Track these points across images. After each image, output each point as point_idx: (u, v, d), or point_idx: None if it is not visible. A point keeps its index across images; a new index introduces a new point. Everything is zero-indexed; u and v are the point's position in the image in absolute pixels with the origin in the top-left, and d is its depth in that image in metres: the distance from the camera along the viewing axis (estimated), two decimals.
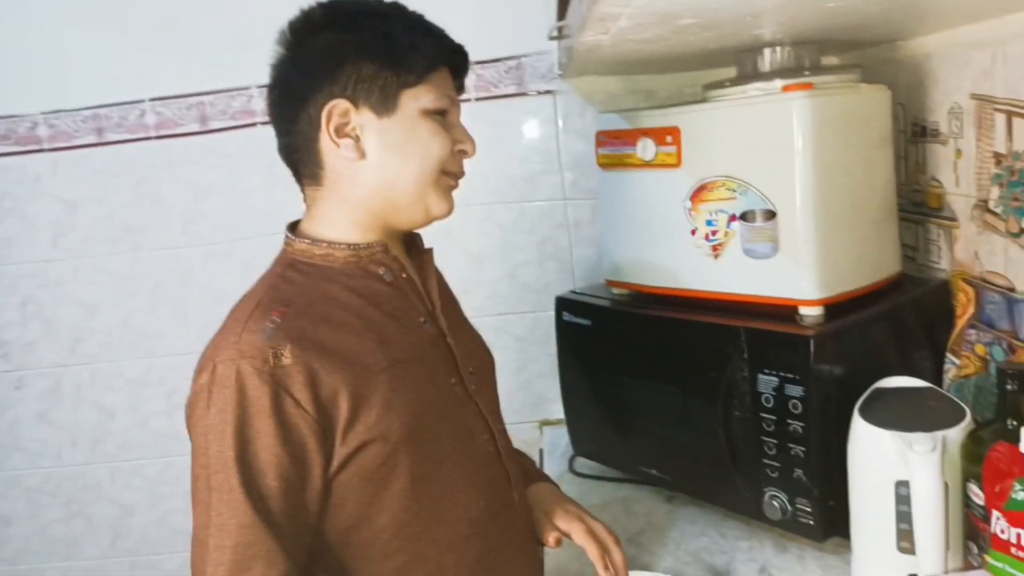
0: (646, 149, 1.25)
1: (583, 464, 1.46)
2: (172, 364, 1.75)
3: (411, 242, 0.99)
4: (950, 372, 1.18)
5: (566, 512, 1.00)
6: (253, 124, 1.67)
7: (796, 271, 1.10)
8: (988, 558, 0.86)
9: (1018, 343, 1.05)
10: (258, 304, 0.81)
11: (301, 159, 0.88)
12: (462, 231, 1.67)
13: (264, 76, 0.90)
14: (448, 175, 0.89)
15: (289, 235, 0.90)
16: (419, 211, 0.89)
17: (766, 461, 1.12)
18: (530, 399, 1.75)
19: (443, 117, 0.89)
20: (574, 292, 1.45)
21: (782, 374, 1.07)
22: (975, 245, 1.17)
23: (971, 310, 1.17)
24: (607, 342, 1.35)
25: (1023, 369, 0.88)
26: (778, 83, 1.13)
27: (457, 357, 0.93)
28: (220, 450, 0.75)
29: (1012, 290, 1.09)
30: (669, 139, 1.21)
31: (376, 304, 0.87)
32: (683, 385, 1.22)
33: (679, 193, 1.21)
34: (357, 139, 0.85)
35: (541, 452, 1.63)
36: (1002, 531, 0.83)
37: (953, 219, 1.21)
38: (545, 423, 1.74)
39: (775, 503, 1.11)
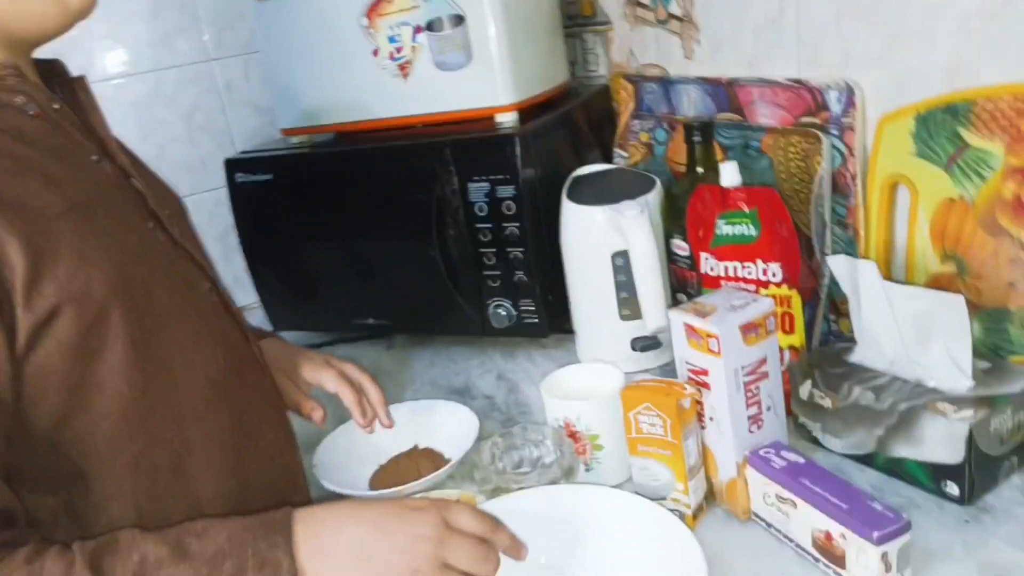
0: None
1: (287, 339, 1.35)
2: None
3: (50, 71, 0.78)
4: (620, 164, 1.27)
5: (310, 361, 0.91)
6: None
7: (491, 78, 1.09)
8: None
9: (677, 120, 1.16)
10: None
11: None
12: None
13: None
14: None
15: None
16: (48, 2, 0.68)
17: (487, 272, 1.12)
18: None
19: None
20: (244, 152, 1.30)
21: (493, 177, 1.07)
22: (629, 43, 1.26)
23: (631, 105, 1.26)
24: (295, 195, 1.23)
25: (705, 121, 0.97)
26: None
27: (148, 199, 0.77)
28: None
29: (665, 77, 1.20)
30: None
31: (28, 142, 0.67)
32: (389, 220, 1.17)
33: (352, 10, 1.12)
34: None
35: None
36: (711, 269, 0.92)
37: (607, 22, 1.29)
38: None
39: (501, 311, 1.13)
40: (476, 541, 0.62)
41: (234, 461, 0.69)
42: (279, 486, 0.75)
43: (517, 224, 1.08)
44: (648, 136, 1.23)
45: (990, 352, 0.81)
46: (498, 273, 1.11)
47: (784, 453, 0.74)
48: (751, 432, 0.76)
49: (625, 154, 1.27)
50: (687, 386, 0.75)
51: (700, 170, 0.98)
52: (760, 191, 0.87)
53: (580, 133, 1.26)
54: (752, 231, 0.87)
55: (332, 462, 0.94)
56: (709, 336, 0.73)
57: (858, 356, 0.84)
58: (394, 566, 0.59)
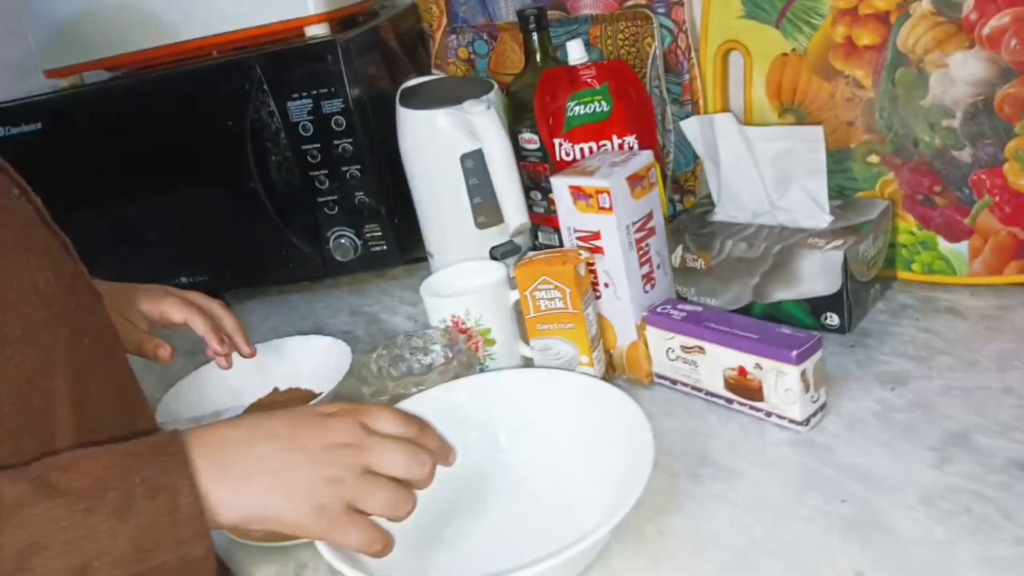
0: None
1: None
2: None
3: None
4: None
5: (147, 294, 0.78)
6: None
7: None
8: None
9: (498, 27, 1.13)
10: None
11: None
12: None
13: None
14: None
15: None
16: None
17: (322, 199, 1.02)
18: None
19: None
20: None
21: (316, 91, 0.97)
22: None
23: (444, 20, 1.21)
24: (75, 144, 1.06)
25: (538, 7, 0.94)
26: None
27: None
28: None
29: None
30: None
31: None
32: (195, 158, 1.04)
33: None
34: None
35: None
36: (567, 154, 0.89)
37: None
38: None
39: (343, 241, 1.04)
40: (401, 443, 0.54)
41: (79, 392, 0.56)
42: (126, 422, 0.63)
43: (350, 140, 0.99)
44: (467, 51, 1.19)
45: (836, 194, 0.86)
46: (334, 199, 1.02)
47: (681, 306, 0.73)
48: (645, 292, 0.74)
49: (444, 74, 1.22)
50: (581, 252, 0.72)
51: (539, 58, 0.95)
52: (609, 64, 0.86)
53: (394, 55, 1.19)
54: (605, 107, 0.86)
55: (180, 417, 0.81)
56: (599, 192, 0.70)
57: (721, 215, 0.86)
58: (313, 480, 0.51)
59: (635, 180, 0.71)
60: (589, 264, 0.72)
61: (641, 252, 0.73)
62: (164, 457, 0.49)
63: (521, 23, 0.94)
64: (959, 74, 0.76)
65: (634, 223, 0.72)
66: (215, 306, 0.81)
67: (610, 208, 0.70)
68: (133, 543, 0.45)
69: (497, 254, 0.99)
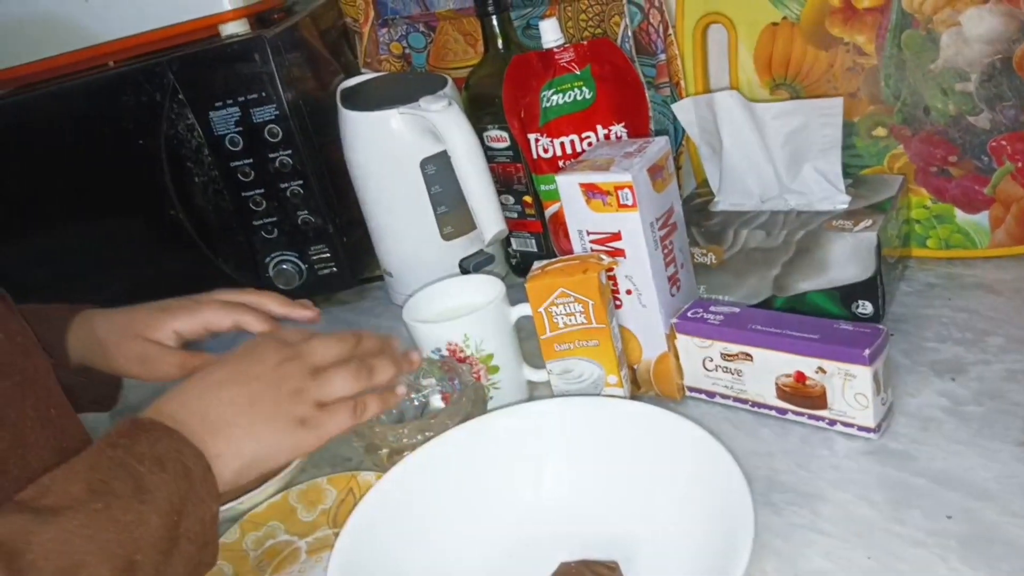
0: None
1: None
2: None
3: None
4: None
5: (179, 310, 0.67)
6: None
7: None
8: (538, 186, 0.83)
9: (437, 17, 1.02)
10: None
11: None
12: None
13: None
14: None
15: None
16: None
17: (258, 222, 0.89)
18: None
19: None
20: None
21: (244, 98, 0.84)
22: None
23: (372, 13, 1.09)
24: None
25: None
26: None
27: None
28: None
29: None
30: None
31: None
32: (103, 182, 0.88)
33: None
34: None
35: None
36: (544, 151, 0.79)
37: None
38: None
39: (286, 267, 0.91)
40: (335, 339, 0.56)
41: None
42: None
43: (288, 152, 0.86)
44: (401, 46, 1.07)
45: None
46: (273, 220, 0.89)
47: (713, 308, 0.64)
48: (672, 296, 0.65)
49: (377, 72, 1.09)
50: (603, 256, 0.62)
51: (500, 47, 0.84)
52: (589, 44, 0.77)
53: (319, 54, 1.06)
54: (587, 93, 0.77)
55: None
56: (619, 188, 0.60)
57: (724, 203, 0.78)
58: (279, 399, 0.52)
59: (655, 171, 0.62)
60: (608, 270, 0.63)
61: (666, 251, 0.64)
62: (146, 433, 0.46)
63: (477, 6, 0.83)
64: (973, 32, 0.70)
65: (657, 219, 0.63)
66: (253, 295, 0.69)
67: (633, 204, 0.60)
68: (163, 519, 0.43)
69: (469, 266, 0.88)
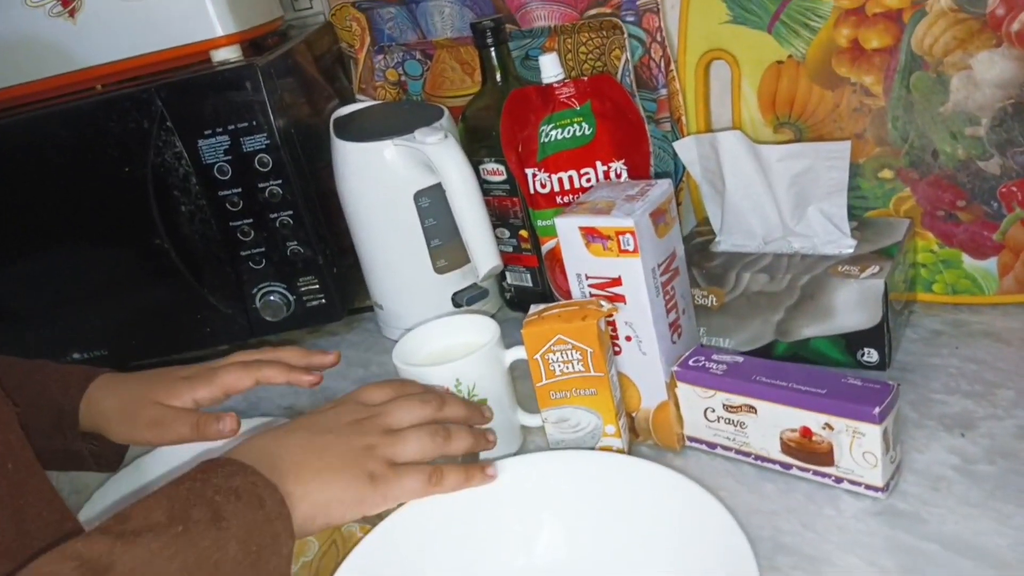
0: None
1: None
2: None
3: None
4: None
5: (195, 380, 0.65)
6: None
7: (200, 1, 0.83)
8: (535, 221, 0.81)
9: (434, 45, 1.00)
10: None
11: None
12: None
13: None
14: None
15: None
16: None
17: (246, 253, 0.86)
18: None
19: None
20: None
21: (234, 126, 0.81)
22: None
23: (367, 39, 1.07)
24: None
25: (495, 19, 0.82)
26: None
27: None
28: None
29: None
30: None
31: None
32: (87, 212, 0.86)
33: None
34: None
35: None
36: (542, 186, 0.77)
37: None
38: None
39: (273, 298, 0.88)
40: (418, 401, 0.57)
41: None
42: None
43: (279, 182, 0.84)
44: (397, 73, 1.05)
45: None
46: (261, 251, 0.86)
47: (716, 356, 0.62)
48: (673, 343, 0.63)
49: (370, 100, 1.07)
50: (602, 302, 0.60)
51: (500, 78, 0.82)
52: (590, 80, 0.75)
53: (314, 81, 1.04)
54: (587, 130, 0.75)
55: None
56: (620, 233, 0.58)
57: (725, 245, 0.76)
58: (350, 451, 0.52)
59: (658, 215, 0.60)
60: (608, 316, 0.61)
61: (667, 297, 0.62)
62: (222, 469, 0.47)
63: (476, 38, 0.82)
64: (984, 76, 0.68)
65: (659, 264, 0.60)
66: (271, 352, 0.69)
67: (635, 250, 0.58)
68: (241, 546, 0.44)
69: (463, 300, 0.86)
